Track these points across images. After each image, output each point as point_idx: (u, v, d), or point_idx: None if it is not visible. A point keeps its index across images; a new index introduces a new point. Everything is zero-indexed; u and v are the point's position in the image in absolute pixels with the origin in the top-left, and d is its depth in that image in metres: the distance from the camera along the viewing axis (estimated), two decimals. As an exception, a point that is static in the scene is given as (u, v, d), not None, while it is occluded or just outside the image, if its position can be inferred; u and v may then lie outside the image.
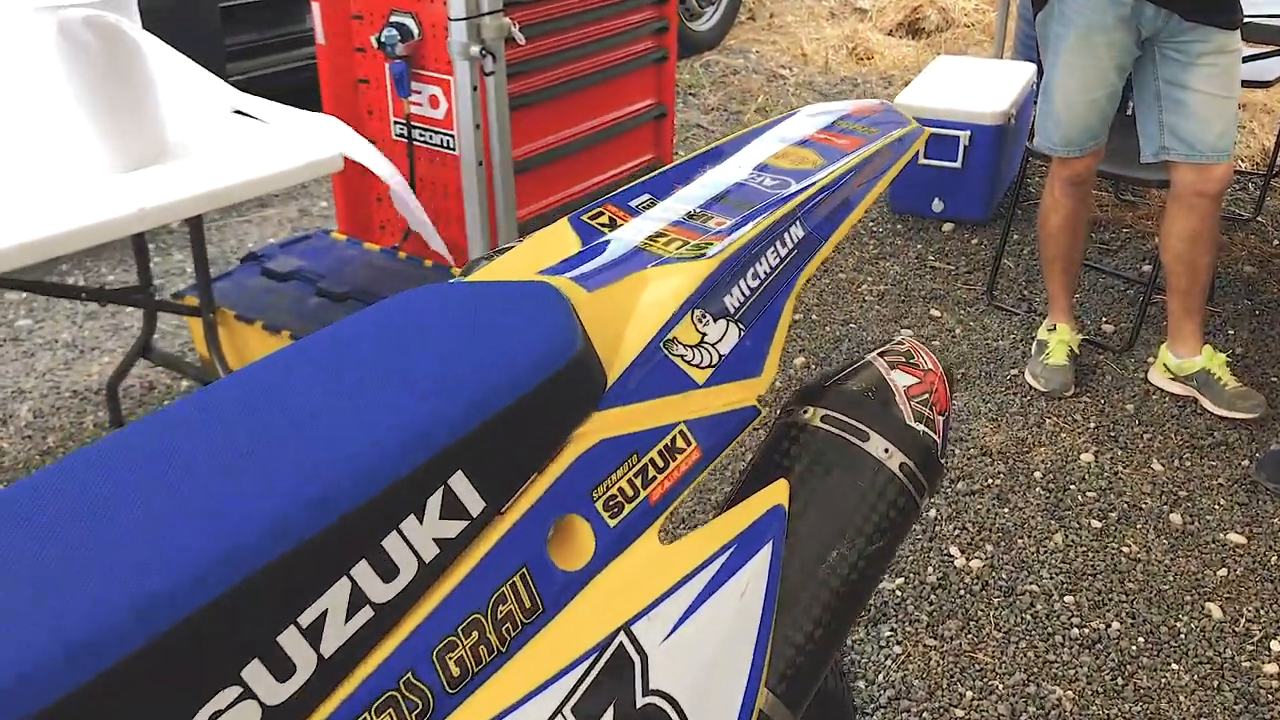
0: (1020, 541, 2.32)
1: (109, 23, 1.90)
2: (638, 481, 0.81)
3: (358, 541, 0.64)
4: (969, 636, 2.07)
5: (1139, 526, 2.36)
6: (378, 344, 0.75)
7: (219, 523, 0.59)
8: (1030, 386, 2.84)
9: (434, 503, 0.67)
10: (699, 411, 0.87)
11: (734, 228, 0.96)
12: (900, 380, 1.00)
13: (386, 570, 0.65)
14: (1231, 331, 3.10)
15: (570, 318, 0.79)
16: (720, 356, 0.89)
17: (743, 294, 0.92)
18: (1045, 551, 2.29)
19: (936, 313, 3.22)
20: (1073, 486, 2.49)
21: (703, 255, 0.91)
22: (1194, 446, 2.62)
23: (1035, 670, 2.00)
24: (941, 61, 4.17)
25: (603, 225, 0.97)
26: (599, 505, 0.78)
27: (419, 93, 2.77)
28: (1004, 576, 2.22)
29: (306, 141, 2.14)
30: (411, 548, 0.66)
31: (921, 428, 0.98)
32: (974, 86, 3.79)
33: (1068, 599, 2.16)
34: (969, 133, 3.58)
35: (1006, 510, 2.41)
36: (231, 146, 2.14)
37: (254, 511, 0.60)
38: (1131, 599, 2.16)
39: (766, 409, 0.93)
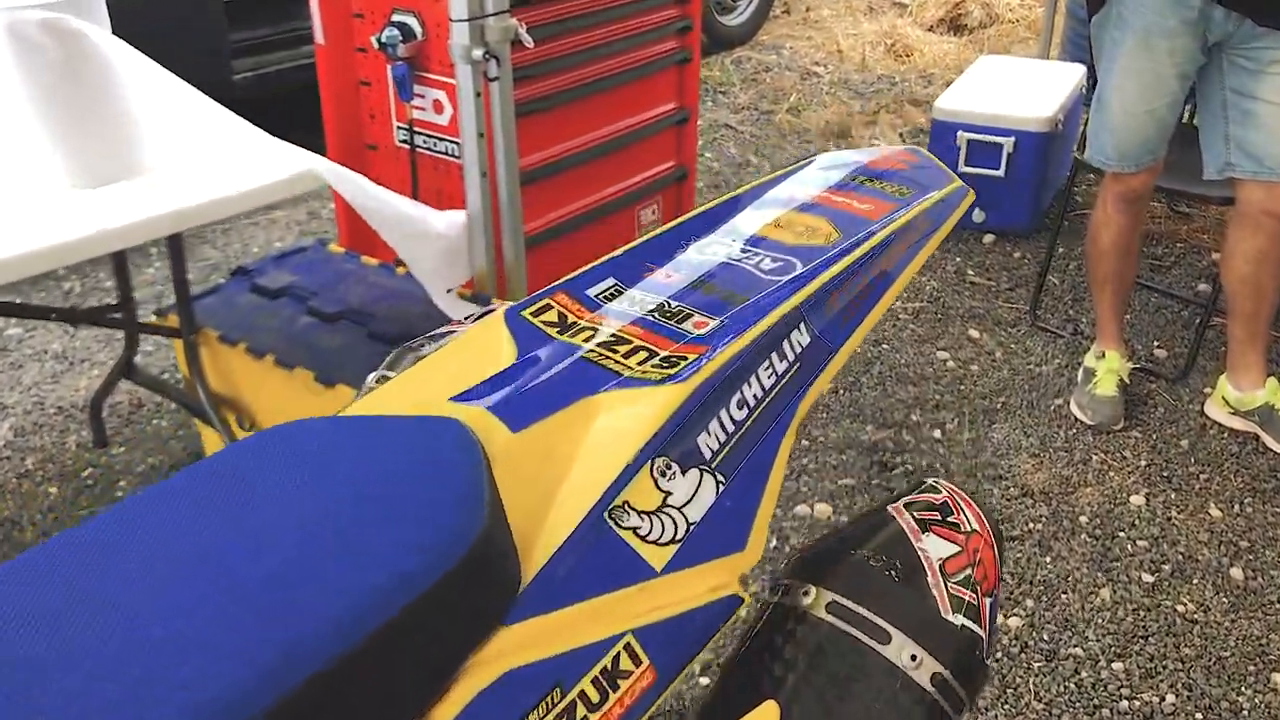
0: (1064, 596, 2.11)
1: (69, 26, 1.74)
2: None
3: None
4: (1005, 707, 1.88)
5: (1195, 582, 2.15)
6: (176, 538, 0.51)
7: None
8: (1076, 418, 2.63)
9: None
10: (655, 612, 0.62)
11: (718, 333, 0.71)
12: (934, 549, 0.75)
13: None
14: (1297, 360, 2.86)
15: (477, 479, 0.56)
16: (689, 526, 0.65)
17: (724, 432, 0.68)
18: (1091, 608, 2.08)
19: (975, 333, 3.01)
20: (1121, 534, 2.27)
21: (672, 378, 0.67)
22: (1256, 490, 2.39)
23: (1080, 750, 1.80)
24: (984, 61, 3.95)
25: (548, 324, 0.73)
26: None
27: (422, 96, 2.60)
28: (1045, 637, 2.02)
29: (285, 158, 1.97)
30: None
31: (961, 620, 0.73)
32: (1019, 89, 3.56)
33: (1116, 665, 1.96)
34: (1013, 139, 3.36)
35: (1049, 560, 2.20)
36: (206, 162, 1.98)
37: None
38: (1188, 667, 1.96)
39: (751, 594, 0.70)
